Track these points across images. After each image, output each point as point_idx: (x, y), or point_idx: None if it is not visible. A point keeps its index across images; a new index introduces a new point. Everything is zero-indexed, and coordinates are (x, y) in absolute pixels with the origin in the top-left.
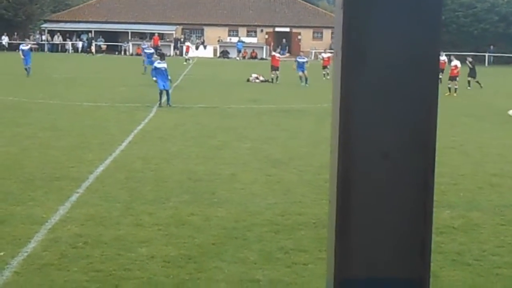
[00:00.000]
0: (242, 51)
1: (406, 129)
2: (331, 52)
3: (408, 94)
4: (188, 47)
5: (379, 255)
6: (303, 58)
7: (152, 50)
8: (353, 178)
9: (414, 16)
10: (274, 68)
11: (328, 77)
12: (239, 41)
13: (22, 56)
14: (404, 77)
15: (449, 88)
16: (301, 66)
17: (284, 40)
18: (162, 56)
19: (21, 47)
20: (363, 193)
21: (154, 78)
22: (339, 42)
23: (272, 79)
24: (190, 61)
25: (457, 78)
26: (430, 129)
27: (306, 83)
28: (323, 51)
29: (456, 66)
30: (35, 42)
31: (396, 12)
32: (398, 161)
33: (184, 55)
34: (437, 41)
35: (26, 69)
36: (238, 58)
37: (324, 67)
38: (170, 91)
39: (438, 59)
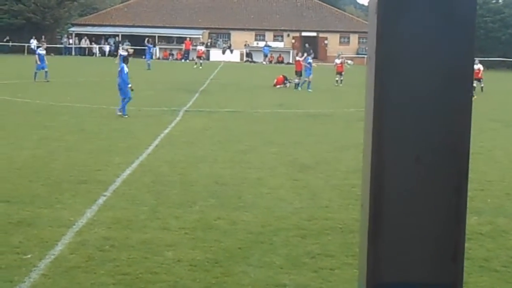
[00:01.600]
0: (269, 55)
1: (439, 133)
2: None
3: (441, 98)
4: (200, 52)
5: (412, 260)
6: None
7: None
8: (385, 182)
9: (448, 22)
10: (298, 73)
11: (341, 84)
12: (265, 45)
13: (38, 62)
14: (437, 82)
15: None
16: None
17: (307, 45)
18: (126, 60)
19: (39, 51)
20: (395, 197)
21: (130, 85)
22: (373, 47)
23: (296, 83)
24: (201, 67)
25: (481, 80)
26: (463, 133)
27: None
28: (336, 56)
29: (479, 70)
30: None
31: (430, 17)
32: (431, 165)
33: (195, 59)
34: (471, 46)
35: (36, 73)
36: (264, 63)
37: (338, 73)
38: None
39: (472, 64)
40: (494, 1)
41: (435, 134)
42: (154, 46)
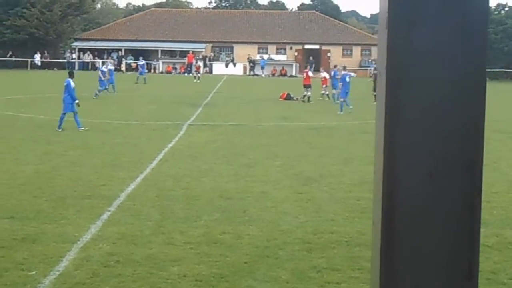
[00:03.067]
0: (271, 68)
1: (452, 149)
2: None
3: (453, 114)
4: (198, 67)
5: (425, 278)
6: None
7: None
8: (398, 199)
9: (460, 34)
10: (306, 86)
11: (327, 99)
12: (262, 59)
13: (107, 77)
14: (450, 97)
15: None
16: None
17: (311, 58)
18: (71, 75)
19: (103, 68)
20: (408, 215)
21: (77, 101)
22: (383, 61)
23: (304, 98)
24: (199, 81)
25: None
26: (477, 148)
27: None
28: (321, 70)
29: None
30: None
31: (442, 30)
32: (444, 181)
33: (193, 74)
34: (483, 58)
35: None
36: (263, 75)
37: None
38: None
39: (485, 78)
40: (496, 12)
41: (448, 150)
42: (157, 60)
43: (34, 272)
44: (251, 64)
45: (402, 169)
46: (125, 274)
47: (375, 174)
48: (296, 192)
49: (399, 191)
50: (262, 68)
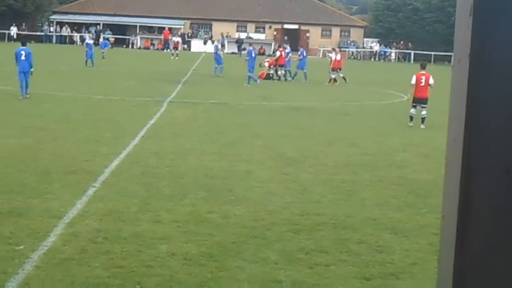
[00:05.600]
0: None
1: None
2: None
3: None
4: (177, 42)
5: (498, 275)
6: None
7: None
8: (473, 193)
9: None
10: (281, 66)
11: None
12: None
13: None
14: None
15: None
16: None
17: (285, 37)
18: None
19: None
20: (484, 210)
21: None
22: (465, 50)
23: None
24: (177, 58)
25: None
26: None
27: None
28: (331, 50)
29: None
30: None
31: None
32: None
33: (170, 50)
34: None
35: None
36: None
37: (336, 69)
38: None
39: None
40: None
41: None
42: (135, 35)
43: (22, 247)
44: (237, 43)
45: (478, 163)
46: (114, 251)
47: (447, 167)
48: (281, 173)
49: (475, 186)
50: (223, 46)
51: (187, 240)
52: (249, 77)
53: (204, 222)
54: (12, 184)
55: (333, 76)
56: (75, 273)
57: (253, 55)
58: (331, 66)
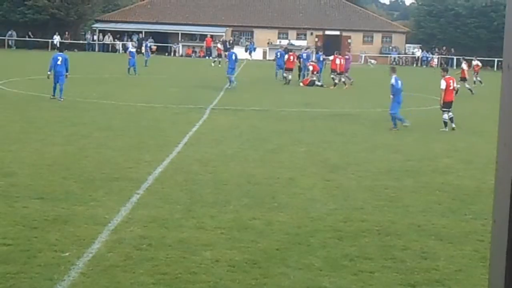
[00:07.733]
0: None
1: None
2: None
3: None
4: (219, 49)
5: None
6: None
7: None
8: None
9: None
10: (288, 69)
11: (346, 87)
12: (251, 43)
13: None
14: None
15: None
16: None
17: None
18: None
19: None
20: None
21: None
22: None
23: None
24: (219, 65)
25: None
26: None
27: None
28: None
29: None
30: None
31: None
32: None
33: (214, 58)
34: None
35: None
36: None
37: (338, 71)
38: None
39: None
40: None
41: None
42: (177, 43)
43: (67, 254)
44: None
45: None
46: (158, 257)
47: (498, 172)
48: (324, 179)
49: None
50: (250, 52)
51: (231, 247)
52: (229, 79)
53: (247, 228)
54: (57, 192)
55: (337, 81)
56: (120, 280)
57: (234, 57)
58: (338, 70)
